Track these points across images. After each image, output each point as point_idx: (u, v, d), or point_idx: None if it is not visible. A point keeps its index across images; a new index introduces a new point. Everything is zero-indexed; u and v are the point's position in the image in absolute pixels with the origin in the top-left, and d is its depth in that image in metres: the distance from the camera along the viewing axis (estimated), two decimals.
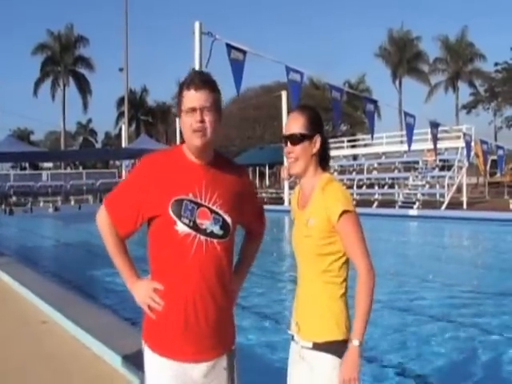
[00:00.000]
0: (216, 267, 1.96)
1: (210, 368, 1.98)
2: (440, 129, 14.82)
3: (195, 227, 1.92)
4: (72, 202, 34.13)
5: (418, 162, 26.84)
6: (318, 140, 2.12)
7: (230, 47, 8.58)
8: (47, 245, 15.25)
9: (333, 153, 30.55)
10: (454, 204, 21.91)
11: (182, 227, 1.91)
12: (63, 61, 48.91)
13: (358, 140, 35.22)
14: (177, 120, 15.36)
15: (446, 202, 22.12)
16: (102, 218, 2.03)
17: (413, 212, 19.93)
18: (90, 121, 66.73)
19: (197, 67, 9.15)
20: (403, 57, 47.92)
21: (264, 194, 34.31)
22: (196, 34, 9.37)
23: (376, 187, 27.47)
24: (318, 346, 2.01)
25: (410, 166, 27.79)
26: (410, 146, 12.92)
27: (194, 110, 1.91)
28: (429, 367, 4.58)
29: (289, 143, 2.11)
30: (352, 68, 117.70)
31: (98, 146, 65.99)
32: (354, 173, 29.78)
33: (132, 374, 3.83)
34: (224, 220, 1.98)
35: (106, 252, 2.07)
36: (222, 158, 2.10)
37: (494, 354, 4.92)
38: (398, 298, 7.05)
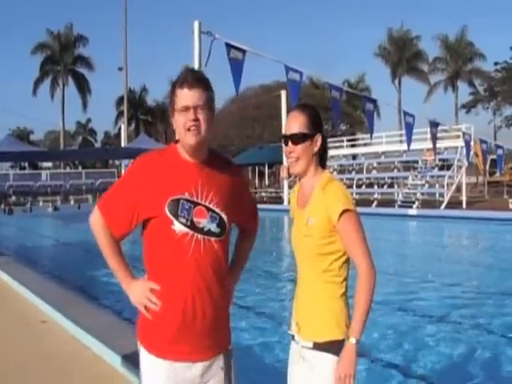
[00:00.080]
0: (214, 265, 1.96)
1: (207, 368, 1.98)
2: (439, 128, 14.84)
3: (192, 226, 1.92)
4: (71, 202, 34.12)
5: (417, 162, 26.83)
6: (318, 139, 2.12)
7: (229, 46, 8.59)
8: (47, 244, 15.24)
9: (332, 152, 30.60)
10: (454, 203, 21.91)
11: (179, 227, 1.90)
12: (63, 60, 48.88)
13: (357, 139, 35.23)
14: None
15: (445, 202, 22.12)
16: (96, 219, 2.00)
17: (412, 211, 19.93)
18: (89, 120, 66.83)
19: (196, 66, 9.15)
20: (403, 56, 47.92)
21: (263, 194, 34.31)
22: (195, 33, 9.37)
23: (375, 187, 27.48)
24: (318, 346, 2.01)
25: (409, 166, 27.79)
26: (409, 145, 12.94)
27: (187, 108, 1.90)
28: (429, 367, 4.58)
29: (290, 143, 2.10)
30: (351, 67, 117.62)
31: (98, 145, 66.00)
32: (353, 172, 29.78)
33: (132, 373, 3.83)
34: (221, 218, 1.97)
35: None
36: (216, 155, 2.09)
37: (493, 354, 4.91)
38: (397, 298, 7.04)
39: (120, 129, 41.09)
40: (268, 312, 6.40)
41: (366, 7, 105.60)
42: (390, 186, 26.84)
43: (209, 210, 1.95)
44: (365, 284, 1.97)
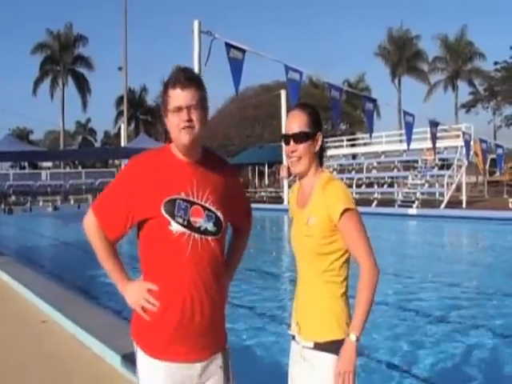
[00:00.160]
0: (212, 264, 1.96)
1: (204, 368, 1.97)
2: (439, 128, 14.84)
3: (189, 226, 1.91)
4: (71, 202, 34.12)
5: (417, 161, 26.83)
6: (319, 138, 2.11)
7: (229, 46, 8.58)
8: (47, 244, 15.23)
9: (332, 152, 30.63)
10: (454, 203, 21.91)
11: (176, 227, 1.89)
12: (62, 60, 48.85)
13: (357, 139, 35.24)
14: None
15: (445, 201, 22.12)
16: (90, 222, 1.98)
17: (412, 211, 19.93)
18: (89, 120, 66.81)
19: (196, 66, 9.15)
20: (403, 56, 47.92)
21: (263, 193, 34.30)
22: (195, 32, 9.37)
23: (375, 186, 27.49)
24: (319, 346, 2.01)
25: (409, 165, 27.79)
26: (409, 144, 12.95)
27: (180, 109, 1.89)
28: (428, 367, 4.57)
29: (292, 142, 2.09)
30: (351, 67, 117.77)
31: (97, 145, 66.00)
32: (353, 172, 29.78)
33: (132, 373, 3.82)
34: (217, 216, 1.97)
35: None
36: (210, 154, 2.08)
37: (493, 354, 4.91)
38: (397, 297, 7.05)
39: (120, 128, 41.09)
40: (268, 312, 6.39)
41: (365, 7, 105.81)
42: (390, 185, 26.85)
43: (205, 208, 1.95)
44: (367, 282, 1.96)
